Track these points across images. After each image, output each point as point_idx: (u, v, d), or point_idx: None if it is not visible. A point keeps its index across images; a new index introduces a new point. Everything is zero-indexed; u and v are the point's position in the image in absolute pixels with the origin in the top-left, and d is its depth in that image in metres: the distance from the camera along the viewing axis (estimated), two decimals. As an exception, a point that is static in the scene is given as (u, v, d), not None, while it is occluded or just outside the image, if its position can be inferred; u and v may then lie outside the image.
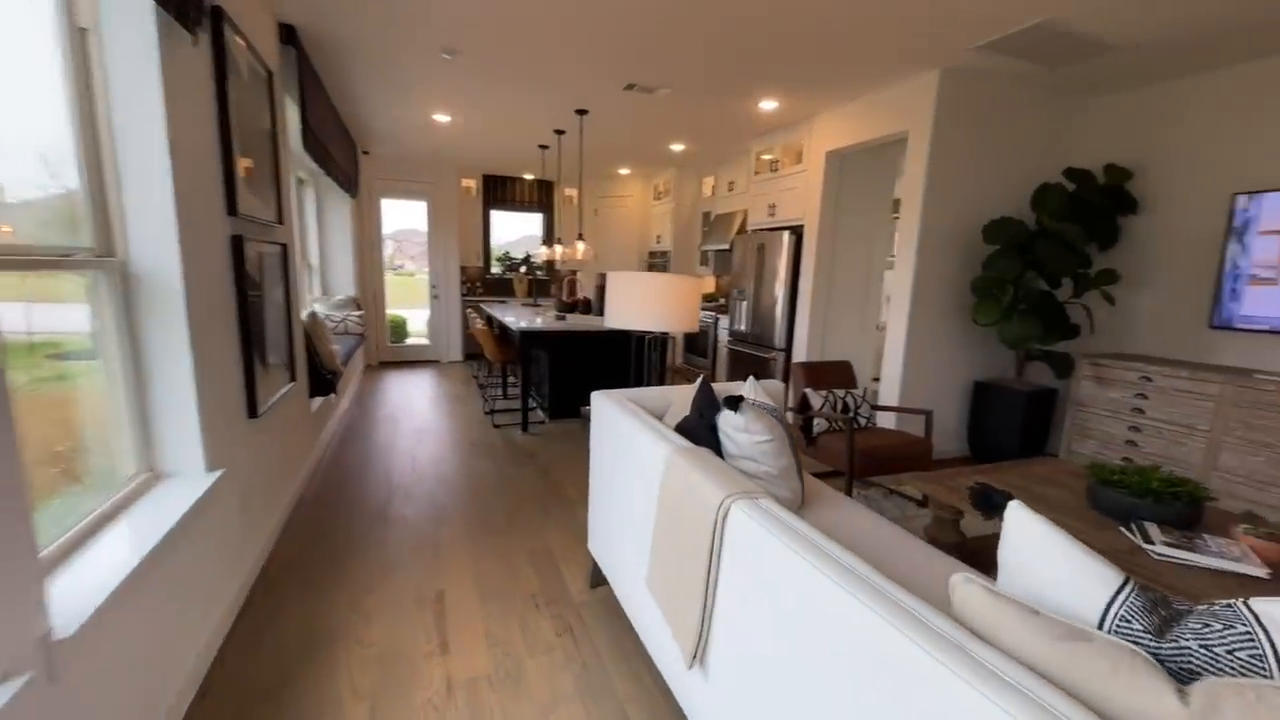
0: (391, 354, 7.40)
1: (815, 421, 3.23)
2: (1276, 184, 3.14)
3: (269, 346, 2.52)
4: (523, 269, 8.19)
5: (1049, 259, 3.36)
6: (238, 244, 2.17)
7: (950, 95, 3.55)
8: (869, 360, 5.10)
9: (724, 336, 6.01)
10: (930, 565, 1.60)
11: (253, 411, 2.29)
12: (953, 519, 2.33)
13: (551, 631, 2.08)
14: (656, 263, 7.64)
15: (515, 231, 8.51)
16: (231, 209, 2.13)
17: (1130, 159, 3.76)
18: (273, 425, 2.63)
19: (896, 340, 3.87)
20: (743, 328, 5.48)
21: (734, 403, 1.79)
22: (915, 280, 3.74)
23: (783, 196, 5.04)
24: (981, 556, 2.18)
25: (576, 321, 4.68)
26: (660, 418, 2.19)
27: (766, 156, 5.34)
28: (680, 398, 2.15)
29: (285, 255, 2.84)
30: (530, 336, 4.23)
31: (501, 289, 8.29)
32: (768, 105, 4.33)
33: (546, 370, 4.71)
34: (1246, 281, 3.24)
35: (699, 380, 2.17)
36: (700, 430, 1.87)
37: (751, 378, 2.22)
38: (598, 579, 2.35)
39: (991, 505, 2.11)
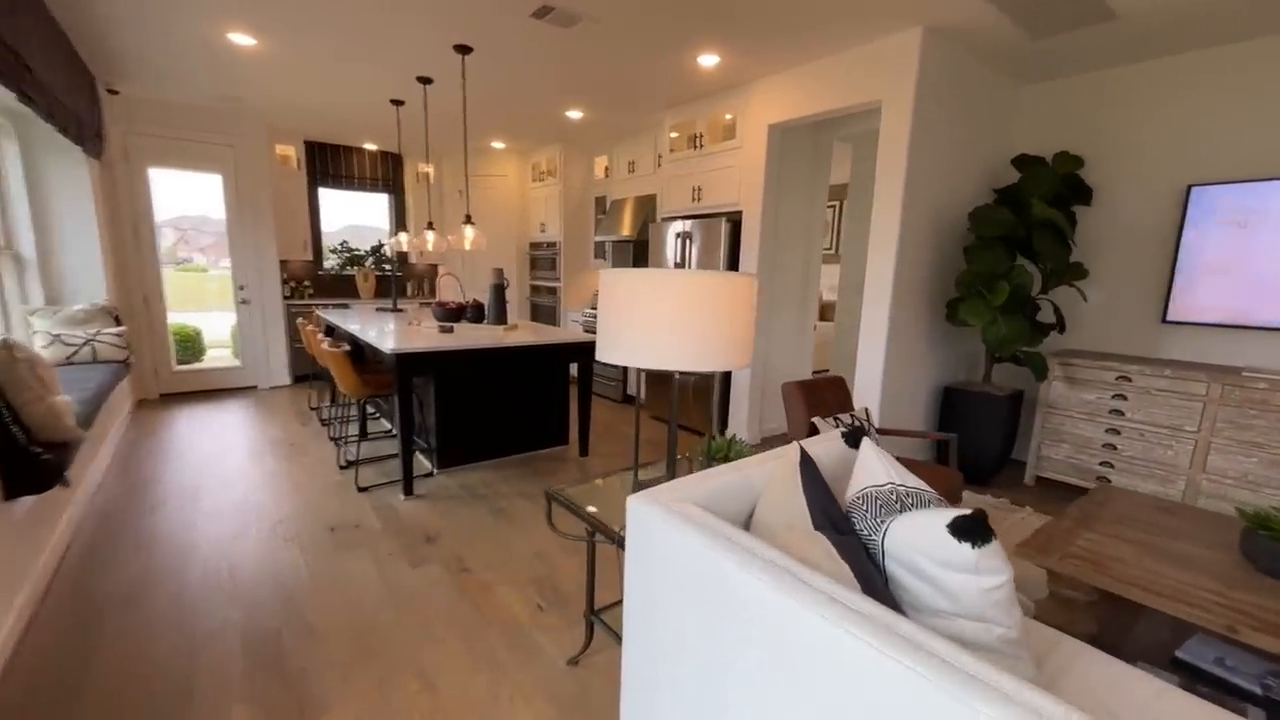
0: (180, 382, 5.36)
1: (828, 461, 2.52)
2: (1230, 176, 3.10)
3: None
4: (369, 263, 6.52)
5: (1048, 252, 3.02)
6: None
7: (931, 60, 3.04)
8: (805, 365, 4.60)
9: (637, 342, 5.15)
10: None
11: None
12: (1087, 600, 1.73)
13: None
14: (542, 255, 6.52)
15: (352, 216, 6.78)
16: None
17: (1073, 148, 3.61)
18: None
19: (875, 346, 3.32)
20: (666, 332, 4.66)
21: (971, 528, 0.93)
22: (896, 276, 3.21)
23: (711, 178, 4.29)
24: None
25: (470, 335, 3.49)
26: (745, 525, 1.27)
27: (676, 134, 4.55)
28: (765, 480, 1.25)
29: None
30: (412, 361, 2.97)
31: (340, 289, 6.53)
32: (707, 60, 3.51)
33: (433, 403, 3.45)
34: (1199, 275, 3.19)
35: (796, 456, 1.28)
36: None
37: (867, 440, 1.38)
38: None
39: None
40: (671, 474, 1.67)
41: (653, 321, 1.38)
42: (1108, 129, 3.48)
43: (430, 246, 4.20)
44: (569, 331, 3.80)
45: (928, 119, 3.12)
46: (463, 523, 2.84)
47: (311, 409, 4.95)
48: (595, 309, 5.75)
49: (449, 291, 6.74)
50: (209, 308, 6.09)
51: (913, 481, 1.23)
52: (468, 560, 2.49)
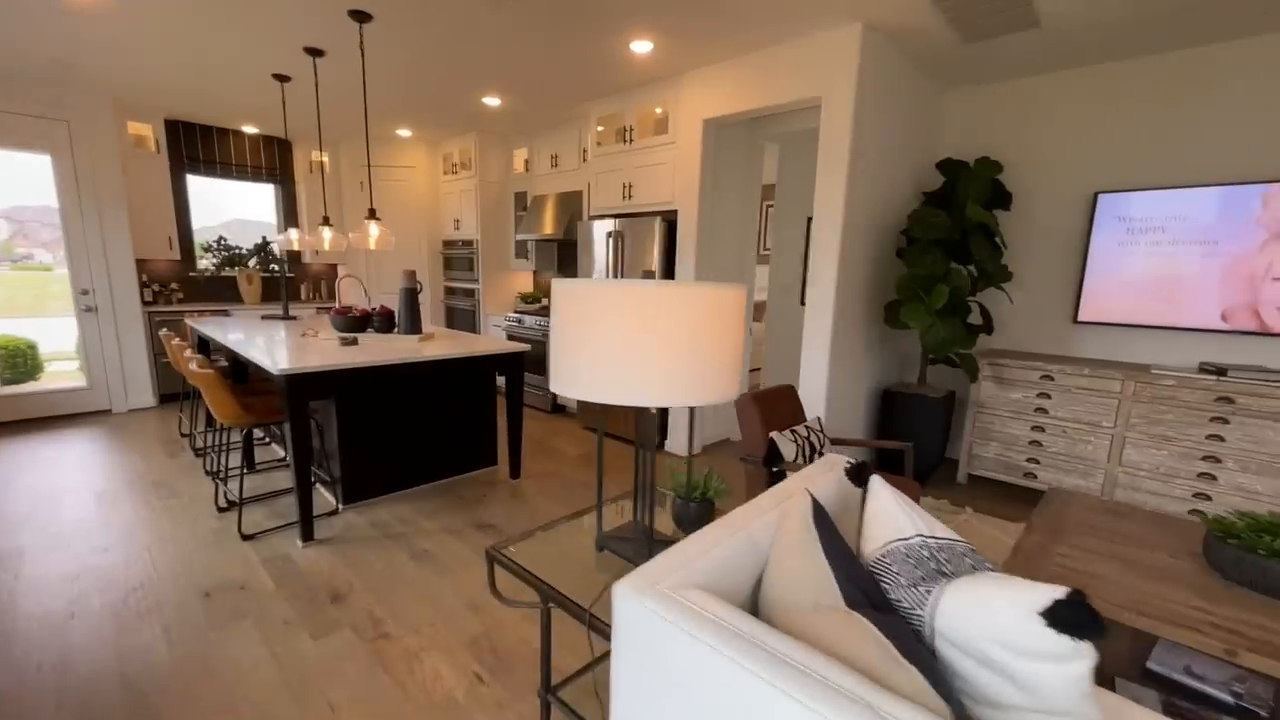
0: (6, 409, 4.39)
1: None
2: (1135, 184, 3.28)
3: None
4: (253, 263, 5.71)
5: (983, 255, 3.05)
6: None
7: (871, 58, 2.98)
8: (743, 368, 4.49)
9: (567, 347, 4.83)
10: None
11: None
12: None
13: None
14: (457, 254, 6.00)
15: (233, 210, 5.91)
16: None
17: (992, 154, 3.72)
18: None
19: (818, 352, 3.23)
20: (598, 337, 4.38)
21: (1074, 618, 0.75)
22: (839, 279, 3.14)
23: (643, 174, 4.06)
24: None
25: (378, 348, 3.03)
26: (753, 609, 1.04)
27: (603, 127, 4.29)
28: (769, 538, 1.02)
29: None
30: (308, 383, 2.49)
31: (217, 293, 5.67)
32: (640, 47, 3.27)
33: (335, 428, 2.96)
34: (1106, 278, 3.37)
35: (807, 510, 1.07)
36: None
37: (877, 478, 1.19)
38: None
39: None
40: (649, 520, 1.41)
41: (627, 347, 1.11)
42: (1024, 135, 3.61)
43: (327, 245, 3.66)
44: (494, 341, 3.43)
45: (866, 118, 3.06)
46: (377, 572, 2.42)
47: (183, 435, 4.21)
48: (520, 313, 5.36)
49: (351, 296, 6.07)
50: (52, 314, 5.05)
51: (941, 531, 1.05)
52: (386, 621, 2.10)
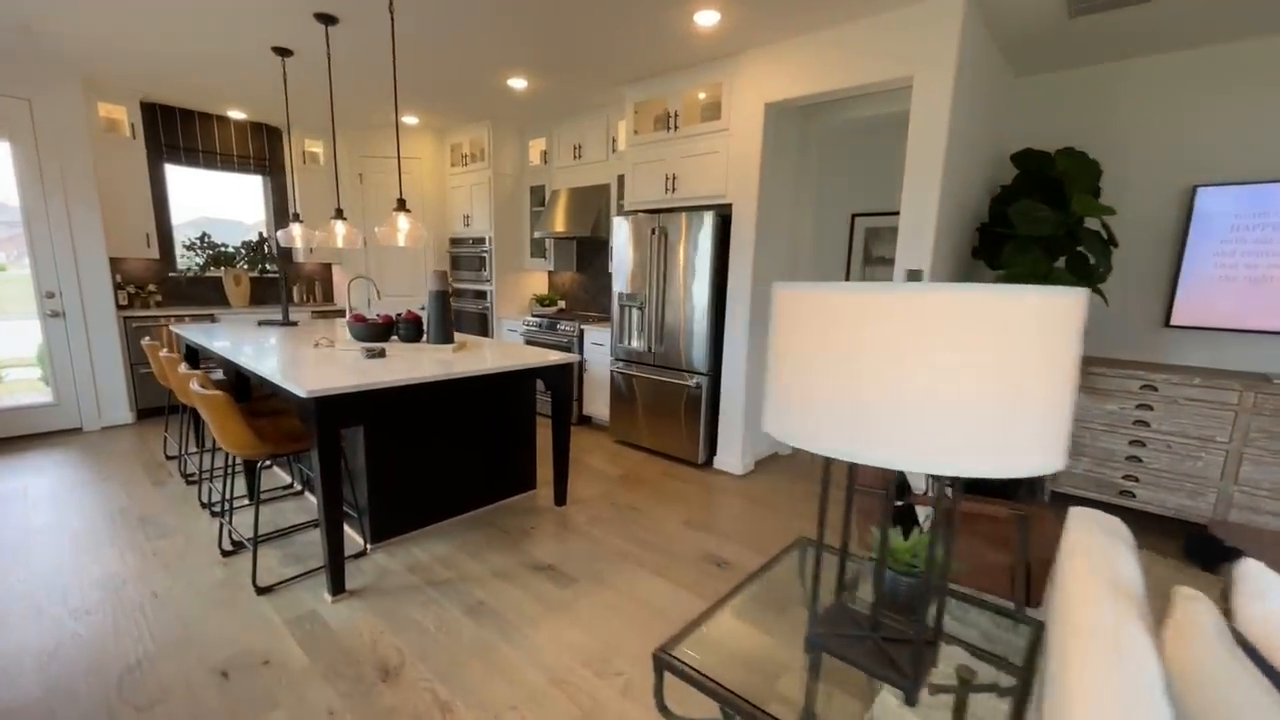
0: (-44, 429, 3.83)
1: (925, 516, 2.02)
2: (1241, 177, 3.03)
3: None
4: (241, 262, 5.18)
5: (1097, 252, 2.75)
6: None
7: (971, 34, 2.66)
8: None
9: (596, 355, 4.44)
10: None
11: None
12: None
13: None
14: (467, 253, 5.55)
15: (210, 205, 5.37)
16: None
17: (1071, 144, 3.44)
18: None
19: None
20: (637, 344, 4.00)
21: None
22: (933, 279, 2.81)
23: (690, 165, 3.69)
24: None
25: (409, 360, 2.61)
26: None
27: (638, 113, 3.91)
28: (1154, 669, 0.66)
29: None
30: (339, 406, 2.06)
31: (200, 295, 5.15)
32: (705, 18, 2.89)
33: (362, 455, 2.53)
34: (1206, 278, 3.11)
35: (1208, 624, 0.71)
36: None
37: (1253, 565, 0.84)
38: None
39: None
40: (878, 608, 1.04)
41: (944, 386, 0.75)
42: (1107, 125, 3.33)
43: (341, 241, 3.21)
44: (541, 351, 3.03)
45: (962, 101, 2.74)
46: (429, 635, 2.01)
47: (169, 458, 3.70)
48: (538, 317, 4.94)
49: (357, 298, 5.58)
50: (7, 315, 4.47)
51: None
52: (455, 708, 1.69)
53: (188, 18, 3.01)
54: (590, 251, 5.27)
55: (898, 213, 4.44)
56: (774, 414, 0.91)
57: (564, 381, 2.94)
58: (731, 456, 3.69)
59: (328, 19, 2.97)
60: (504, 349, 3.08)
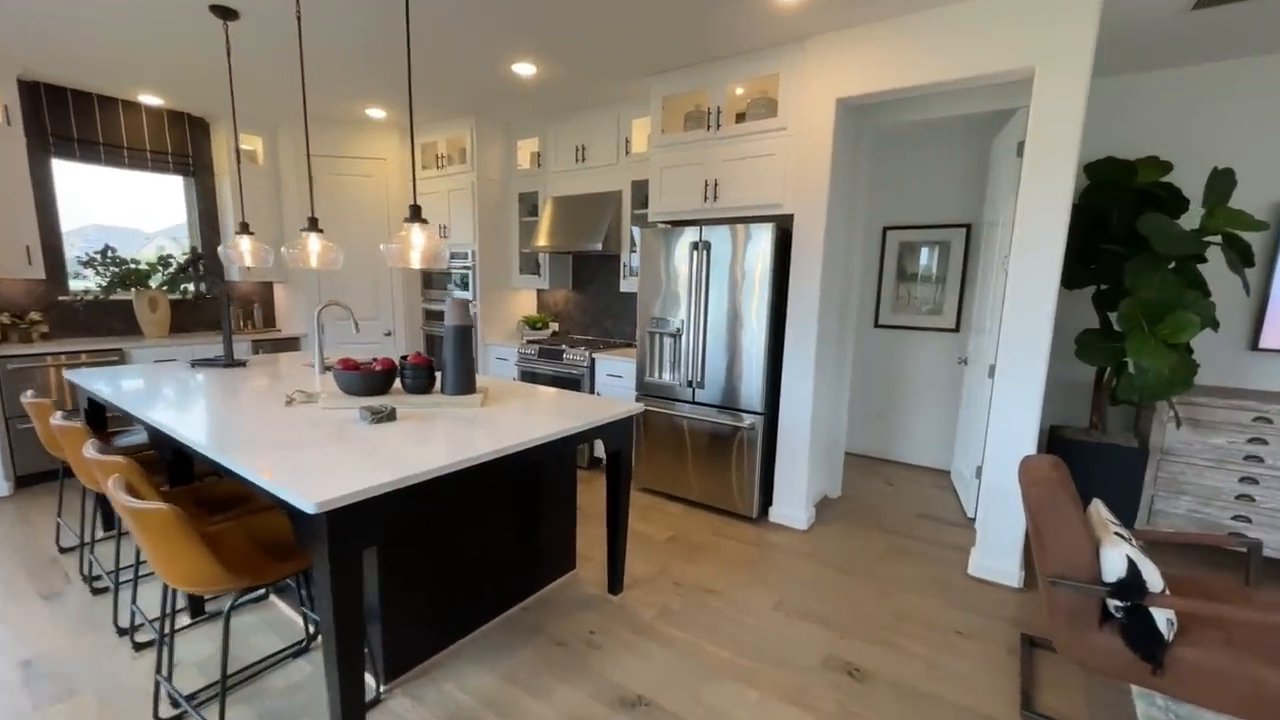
0: None
1: (1167, 621, 1.55)
2: (1337, 190, 2.83)
3: None
4: (160, 284, 4.17)
5: (1238, 272, 2.42)
6: None
7: (1108, 21, 2.28)
8: (843, 410, 3.67)
9: (612, 391, 3.81)
10: None
11: None
12: None
13: None
14: (442, 269, 4.76)
15: (112, 211, 4.33)
16: None
17: (1150, 152, 3.18)
18: None
19: (1028, 396, 2.47)
20: (668, 378, 3.41)
21: None
22: (1056, 307, 2.40)
23: (737, 169, 3.16)
24: None
25: (435, 426, 1.92)
26: None
27: (666, 111, 3.36)
28: None
29: None
30: (359, 519, 1.36)
31: (101, 324, 4.11)
32: (787, -7, 2.38)
33: (375, 576, 1.81)
34: (1297, 298, 2.90)
35: None
36: None
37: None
38: None
39: None
40: None
41: None
42: (1188, 133, 3.09)
43: (248, 260, 2.47)
44: (605, 401, 2.38)
45: (1088, 100, 2.36)
46: None
47: (63, 551, 2.75)
48: (534, 343, 4.25)
49: (328, 332, 4.68)
50: None
51: None
52: None
53: (92, -45, 2.19)
54: (589, 267, 4.64)
55: (932, 226, 4.18)
56: None
57: (626, 438, 2.31)
58: (792, 509, 3.17)
59: (298, -33, 2.23)
60: (543, 397, 2.41)
